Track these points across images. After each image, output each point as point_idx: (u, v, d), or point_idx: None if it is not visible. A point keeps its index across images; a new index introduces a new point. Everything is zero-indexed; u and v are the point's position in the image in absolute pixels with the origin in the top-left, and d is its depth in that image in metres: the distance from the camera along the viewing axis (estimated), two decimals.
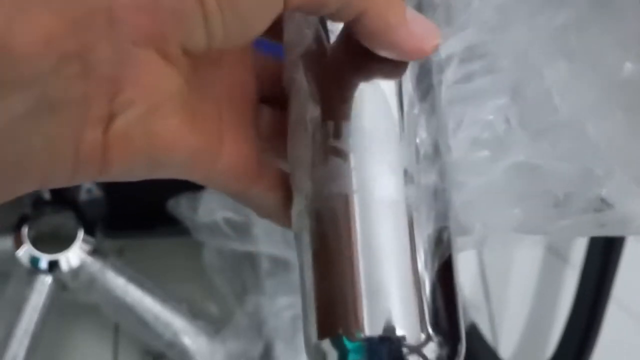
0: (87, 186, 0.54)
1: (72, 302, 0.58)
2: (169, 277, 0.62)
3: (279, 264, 0.54)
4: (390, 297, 0.21)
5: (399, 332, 0.21)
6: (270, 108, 0.26)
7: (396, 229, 0.22)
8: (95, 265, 0.56)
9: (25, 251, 0.55)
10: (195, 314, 0.58)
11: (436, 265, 0.22)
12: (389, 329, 0.21)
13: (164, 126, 0.21)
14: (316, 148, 0.23)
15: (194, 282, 0.62)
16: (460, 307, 0.23)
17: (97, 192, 0.54)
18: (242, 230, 0.53)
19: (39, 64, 0.17)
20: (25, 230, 0.55)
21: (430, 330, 0.21)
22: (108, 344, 0.61)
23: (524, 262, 0.70)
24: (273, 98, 0.26)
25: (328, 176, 0.23)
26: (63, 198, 0.55)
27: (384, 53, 0.23)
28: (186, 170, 0.23)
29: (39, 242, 0.56)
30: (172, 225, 0.55)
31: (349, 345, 0.21)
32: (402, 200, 0.22)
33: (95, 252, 0.56)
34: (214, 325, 0.57)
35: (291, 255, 0.53)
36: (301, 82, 0.24)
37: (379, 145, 0.23)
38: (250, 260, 0.55)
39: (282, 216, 0.25)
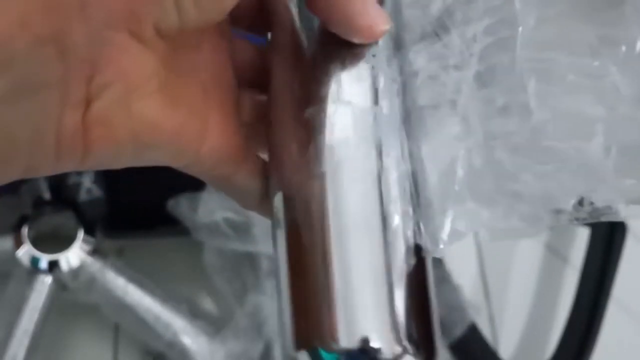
0: (87, 186, 0.54)
1: (72, 302, 0.58)
2: (169, 277, 0.62)
3: None
4: (366, 308, 0.21)
5: (375, 344, 0.21)
6: (250, 94, 0.26)
7: (370, 238, 0.22)
8: (95, 265, 0.56)
9: (26, 251, 0.55)
10: (195, 314, 0.58)
11: (410, 274, 0.22)
12: (365, 341, 0.21)
13: (144, 107, 0.21)
14: (293, 133, 0.23)
15: (194, 282, 0.62)
16: (435, 318, 0.23)
17: (97, 192, 0.54)
18: (242, 230, 0.53)
19: (13, 47, 0.17)
20: (25, 230, 0.55)
21: (405, 343, 0.21)
22: (108, 344, 0.61)
23: (524, 262, 0.71)
24: (252, 83, 0.26)
25: (302, 166, 0.23)
26: (63, 198, 0.55)
27: (336, 28, 0.23)
28: (173, 153, 0.23)
29: (39, 242, 0.56)
30: (172, 225, 0.55)
31: (325, 357, 0.21)
32: (376, 205, 0.22)
33: (95, 252, 0.56)
34: (214, 325, 0.57)
35: None
36: (280, 63, 0.24)
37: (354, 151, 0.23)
38: (250, 260, 0.55)
39: (265, 206, 0.25)
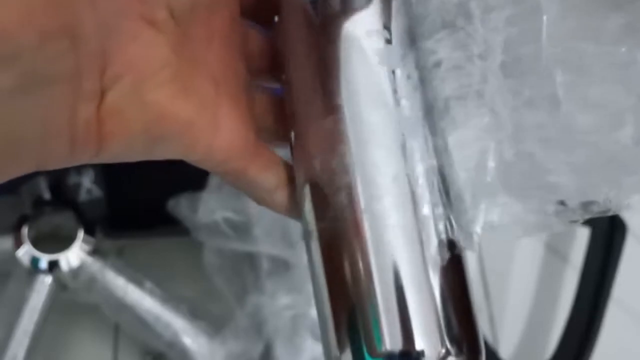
0: (87, 186, 0.54)
1: (72, 302, 0.58)
2: (169, 277, 0.62)
3: (279, 264, 0.54)
4: (407, 310, 0.21)
5: (419, 346, 0.21)
6: (260, 83, 0.26)
7: (406, 238, 0.22)
8: (95, 265, 0.56)
9: (26, 251, 0.55)
10: (195, 314, 0.58)
11: (447, 272, 0.22)
12: (408, 344, 0.21)
13: (156, 96, 0.21)
14: (319, 139, 0.23)
15: (194, 282, 0.62)
16: (476, 317, 0.22)
17: (97, 192, 0.54)
18: (242, 230, 0.53)
19: (20, 41, 0.17)
20: (25, 230, 0.55)
21: (448, 344, 0.21)
22: (108, 343, 0.61)
23: (524, 262, 0.70)
24: (261, 71, 0.26)
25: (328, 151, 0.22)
26: (63, 198, 0.55)
27: None
28: (185, 146, 0.22)
29: (39, 242, 0.56)
30: (172, 225, 0.55)
31: None
32: (409, 203, 0.22)
33: (95, 252, 0.56)
34: (214, 325, 0.57)
35: (291, 255, 0.53)
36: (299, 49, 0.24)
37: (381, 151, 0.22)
38: (250, 260, 0.55)
39: (277, 201, 0.24)
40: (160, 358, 0.59)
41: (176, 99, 0.21)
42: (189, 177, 0.54)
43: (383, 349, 0.21)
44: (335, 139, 0.22)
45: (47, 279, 0.55)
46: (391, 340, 0.21)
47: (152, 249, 0.63)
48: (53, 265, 0.55)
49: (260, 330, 0.53)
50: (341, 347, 0.22)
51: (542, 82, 0.22)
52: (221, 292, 0.56)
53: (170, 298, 0.58)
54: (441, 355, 0.21)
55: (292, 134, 0.24)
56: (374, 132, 0.22)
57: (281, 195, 0.24)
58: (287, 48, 0.24)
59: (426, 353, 0.21)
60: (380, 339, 0.21)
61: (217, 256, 0.55)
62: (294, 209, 0.25)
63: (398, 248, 0.22)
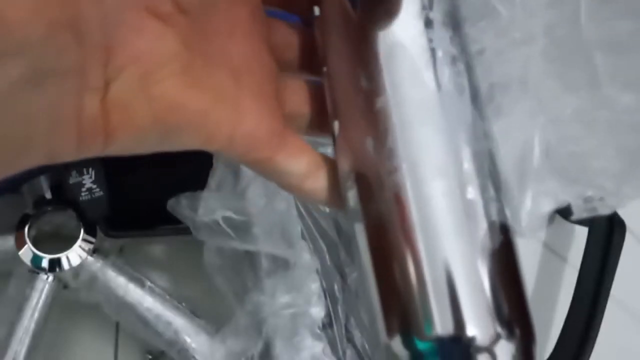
0: (88, 186, 0.54)
1: (73, 300, 0.58)
2: (169, 276, 0.62)
3: (279, 263, 0.54)
4: (458, 294, 0.21)
5: (469, 331, 0.21)
6: (291, 76, 0.25)
7: (455, 225, 0.21)
8: (96, 264, 0.56)
9: (27, 250, 0.55)
10: (195, 312, 0.58)
11: (498, 255, 0.22)
12: (459, 328, 0.21)
13: (165, 88, 0.21)
14: (365, 126, 0.23)
15: (194, 281, 0.62)
16: (528, 302, 0.22)
17: (98, 192, 0.54)
18: (242, 229, 0.53)
19: (28, 33, 0.17)
20: (26, 229, 0.55)
21: (499, 328, 0.21)
22: (109, 342, 0.61)
23: (522, 261, 0.70)
24: (292, 64, 0.26)
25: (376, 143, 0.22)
26: (64, 198, 0.55)
27: None
28: (201, 136, 0.22)
29: (40, 242, 0.56)
30: (172, 225, 0.55)
31: (419, 345, 0.21)
32: (457, 188, 0.22)
33: (96, 251, 0.56)
34: (214, 324, 0.57)
35: (291, 254, 0.53)
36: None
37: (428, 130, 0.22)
38: (250, 259, 0.55)
39: (306, 189, 0.25)
40: (161, 356, 0.59)
41: (188, 90, 0.21)
42: (189, 177, 0.54)
43: (433, 334, 0.21)
44: (381, 125, 0.22)
45: (48, 278, 0.55)
46: (441, 325, 0.21)
47: (152, 248, 0.63)
48: (54, 264, 0.55)
49: (260, 329, 0.53)
50: (390, 333, 0.22)
51: (582, 65, 0.21)
52: (221, 291, 0.56)
53: (170, 297, 0.58)
54: (492, 339, 0.21)
55: (336, 123, 0.24)
56: (419, 116, 0.22)
57: (310, 183, 0.24)
58: (328, 38, 0.24)
59: (477, 337, 0.21)
60: (430, 323, 0.21)
61: (217, 255, 0.55)
62: (324, 197, 0.25)
63: (447, 231, 0.21)
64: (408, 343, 0.21)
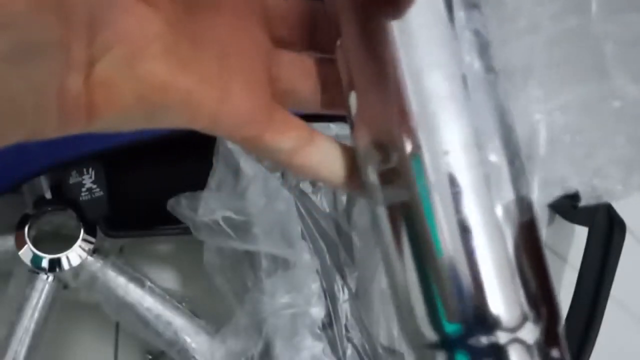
0: (88, 186, 0.54)
1: (73, 301, 0.58)
2: (169, 276, 0.62)
3: (279, 263, 0.54)
4: (485, 276, 0.21)
5: (495, 311, 0.21)
6: (287, 51, 0.25)
7: (479, 196, 0.21)
8: (96, 264, 0.56)
9: (27, 250, 0.55)
10: (195, 312, 0.58)
11: (524, 236, 0.21)
12: (485, 309, 0.21)
13: (149, 68, 0.21)
14: (387, 106, 0.22)
15: (194, 281, 0.62)
16: (553, 282, 0.22)
17: (98, 192, 0.54)
18: (242, 229, 0.53)
19: (11, 8, 0.17)
20: (26, 229, 0.55)
21: (526, 310, 0.21)
22: (109, 342, 0.61)
23: None
24: (290, 39, 0.25)
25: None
26: (64, 198, 0.55)
27: None
28: (186, 114, 0.22)
29: (40, 242, 0.56)
30: (172, 225, 0.55)
31: (447, 326, 0.21)
32: (477, 162, 0.21)
33: (96, 251, 0.56)
34: (214, 323, 0.57)
35: (291, 254, 0.53)
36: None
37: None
38: (250, 259, 0.55)
39: (294, 163, 0.24)
40: (161, 356, 0.59)
41: (172, 70, 0.21)
42: (189, 177, 0.54)
43: (459, 315, 0.21)
44: (398, 97, 0.22)
45: (49, 278, 0.55)
46: (465, 307, 0.21)
47: (152, 248, 0.63)
48: (54, 264, 0.55)
49: (260, 329, 0.53)
50: (419, 316, 0.22)
51: (590, 55, 0.21)
52: (221, 291, 0.56)
53: (170, 297, 0.58)
54: (519, 321, 0.21)
55: (352, 96, 0.24)
56: (438, 86, 0.22)
57: (299, 159, 0.24)
58: (343, 11, 0.24)
59: (503, 319, 0.20)
60: (456, 304, 0.21)
61: (217, 255, 0.55)
62: (314, 172, 0.24)
63: (471, 208, 0.21)
64: (435, 325, 0.21)
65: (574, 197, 0.23)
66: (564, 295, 0.69)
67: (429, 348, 0.22)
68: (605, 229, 0.61)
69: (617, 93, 0.21)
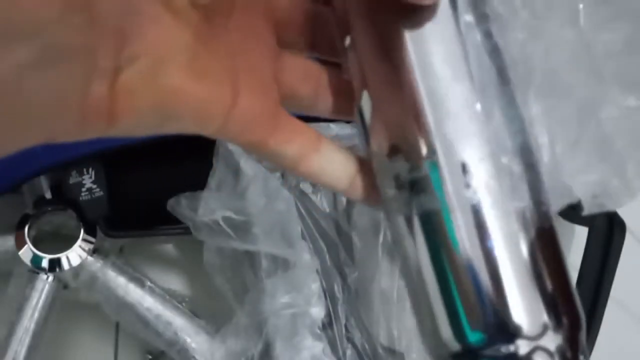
0: (88, 186, 0.54)
1: (73, 301, 0.58)
2: (169, 276, 0.62)
3: (279, 263, 0.54)
4: (506, 285, 0.21)
5: (517, 320, 0.21)
6: (292, 54, 0.25)
7: (499, 209, 0.21)
8: (96, 264, 0.56)
9: (27, 250, 0.55)
10: (195, 312, 0.58)
11: (543, 243, 0.21)
12: (507, 318, 0.21)
13: (170, 79, 0.21)
14: (401, 114, 0.22)
15: (194, 281, 0.62)
16: (575, 290, 0.22)
17: (98, 192, 0.54)
18: (242, 229, 0.53)
19: (43, 13, 0.17)
20: (26, 229, 0.55)
21: (547, 319, 0.21)
22: (109, 342, 0.61)
23: None
24: (294, 42, 0.25)
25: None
26: (64, 197, 0.55)
27: None
28: (198, 122, 0.22)
29: (40, 242, 0.56)
30: (172, 225, 0.55)
31: (469, 334, 0.21)
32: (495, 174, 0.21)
33: (95, 251, 0.56)
34: (214, 323, 0.57)
35: (291, 254, 0.53)
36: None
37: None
38: (250, 259, 0.55)
39: (299, 170, 0.24)
40: (161, 356, 0.59)
41: (191, 78, 0.21)
42: (189, 177, 0.54)
43: (481, 324, 0.21)
44: (414, 106, 0.22)
45: (49, 278, 0.55)
46: (487, 315, 0.21)
47: (152, 248, 0.63)
48: (54, 264, 0.55)
49: (260, 329, 0.53)
50: (442, 326, 0.22)
51: (586, 65, 0.21)
52: (221, 291, 0.56)
53: (170, 297, 0.58)
54: (540, 330, 0.21)
55: (364, 95, 0.23)
56: (448, 89, 0.22)
57: (304, 166, 0.24)
58: (352, 10, 0.24)
59: (524, 327, 0.20)
60: (478, 313, 0.21)
61: (217, 255, 0.55)
62: (320, 179, 0.24)
63: (491, 217, 0.21)
64: (458, 334, 0.21)
65: (567, 210, 0.23)
66: None
67: (452, 358, 0.22)
68: (605, 229, 0.61)
69: (613, 102, 0.21)
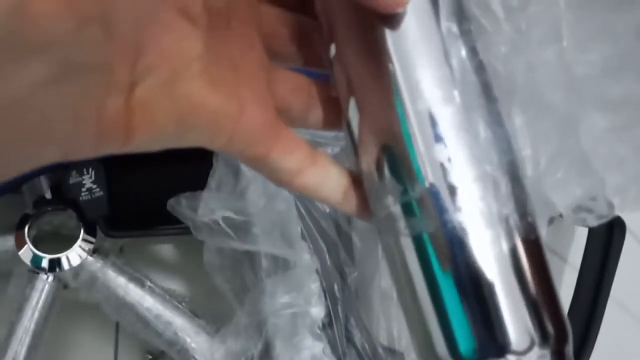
0: (88, 186, 0.54)
1: (73, 301, 0.58)
2: (169, 276, 0.62)
3: (279, 263, 0.54)
4: (496, 301, 0.21)
5: (506, 337, 0.21)
6: (281, 66, 0.25)
7: (487, 228, 0.21)
8: (96, 264, 0.56)
9: (27, 250, 0.55)
10: (195, 312, 0.58)
11: (528, 256, 0.22)
12: (497, 334, 0.21)
13: (187, 90, 0.21)
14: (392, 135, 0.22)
15: (194, 281, 0.62)
16: (561, 304, 0.22)
17: (98, 192, 0.54)
18: (242, 229, 0.53)
19: (59, 27, 0.17)
20: (26, 229, 0.55)
21: (534, 333, 0.21)
22: (109, 342, 0.61)
23: None
24: (281, 54, 0.25)
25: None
26: (64, 198, 0.55)
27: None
28: (211, 134, 0.22)
29: (40, 242, 0.56)
30: (172, 225, 0.55)
31: (462, 348, 0.21)
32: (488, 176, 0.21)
33: (96, 251, 0.56)
34: (214, 323, 0.57)
35: (291, 254, 0.53)
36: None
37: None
38: (250, 259, 0.55)
39: (295, 184, 0.24)
40: (161, 356, 0.59)
41: (204, 90, 0.21)
42: (189, 177, 0.54)
43: (471, 340, 0.21)
44: (390, 103, 0.22)
45: (49, 278, 0.55)
46: (477, 331, 0.21)
47: (152, 248, 0.63)
48: (54, 264, 0.55)
49: (260, 329, 0.53)
50: (436, 340, 0.22)
51: (561, 83, 0.22)
52: (221, 291, 0.56)
53: (170, 297, 0.58)
54: (527, 345, 0.21)
55: (351, 104, 0.23)
56: (431, 93, 0.22)
57: (300, 180, 0.24)
58: (335, 20, 0.24)
59: (512, 343, 0.21)
60: (468, 330, 0.21)
61: (217, 255, 0.55)
62: (315, 194, 0.24)
63: (479, 235, 0.21)
64: (451, 346, 0.21)
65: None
66: (564, 295, 0.69)
67: None
68: (605, 229, 0.61)
69: (591, 122, 0.22)
